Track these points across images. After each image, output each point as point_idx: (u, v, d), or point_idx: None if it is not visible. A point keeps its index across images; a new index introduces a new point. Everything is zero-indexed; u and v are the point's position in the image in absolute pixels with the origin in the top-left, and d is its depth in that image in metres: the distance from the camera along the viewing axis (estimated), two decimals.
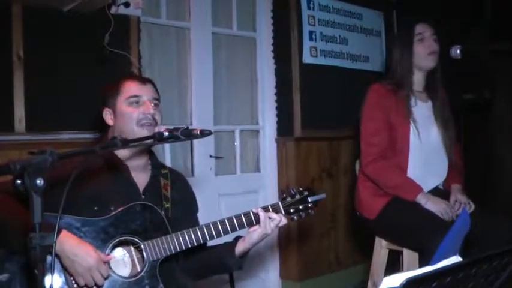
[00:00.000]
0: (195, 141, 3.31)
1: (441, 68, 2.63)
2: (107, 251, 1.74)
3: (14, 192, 1.30)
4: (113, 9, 2.75)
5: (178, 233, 1.81)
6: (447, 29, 3.04)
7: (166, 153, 3.23)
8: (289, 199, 1.94)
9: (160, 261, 1.79)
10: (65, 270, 1.67)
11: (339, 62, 3.96)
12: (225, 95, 3.58)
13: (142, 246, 1.77)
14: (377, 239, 2.75)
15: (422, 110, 2.59)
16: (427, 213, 2.39)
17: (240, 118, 3.67)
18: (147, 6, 3.06)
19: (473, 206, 2.49)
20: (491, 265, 1.13)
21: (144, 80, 1.98)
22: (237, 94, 3.66)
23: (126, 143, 1.54)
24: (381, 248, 2.73)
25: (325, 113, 3.81)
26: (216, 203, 3.40)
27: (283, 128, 3.72)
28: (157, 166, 2.02)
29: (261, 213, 1.86)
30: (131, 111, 1.89)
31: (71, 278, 1.67)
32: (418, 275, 0.99)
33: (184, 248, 1.81)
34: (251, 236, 1.88)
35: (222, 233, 1.86)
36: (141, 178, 1.95)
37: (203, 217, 2.08)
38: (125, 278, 1.75)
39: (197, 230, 1.83)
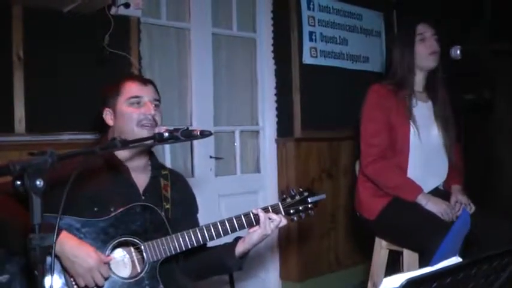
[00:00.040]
0: (195, 142, 3.31)
1: (441, 68, 2.63)
2: (107, 252, 1.74)
3: (14, 193, 1.30)
4: (113, 10, 2.75)
5: (178, 234, 1.81)
6: (447, 29, 3.04)
7: (166, 154, 3.22)
8: (289, 200, 1.94)
9: (160, 262, 1.79)
10: (65, 271, 1.67)
11: (339, 62, 3.96)
12: (225, 95, 3.58)
13: (142, 247, 1.77)
14: (377, 240, 2.74)
15: (422, 110, 2.59)
16: (427, 213, 2.38)
17: (240, 119, 3.67)
18: (147, 7, 3.06)
19: (473, 207, 2.48)
20: (491, 266, 1.13)
21: (145, 81, 1.98)
22: (237, 95, 3.65)
23: (126, 143, 1.54)
24: (381, 249, 2.73)
25: (325, 113, 3.81)
26: (216, 204, 3.40)
27: (283, 129, 3.72)
28: (157, 167, 2.02)
29: (261, 214, 1.86)
30: (131, 111, 1.89)
31: (71, 279, 1.67)
32: (418, 275, 0.99)
33: (184, 248, 1.81)
34: (251, 236, 1.88)
35: (222, 234, 1.86)
36: (141, 179, 1.95)
37: (203, 218, 2.08)
38: (125, 278, 1.75)
39: (197, 230, 1.83)
